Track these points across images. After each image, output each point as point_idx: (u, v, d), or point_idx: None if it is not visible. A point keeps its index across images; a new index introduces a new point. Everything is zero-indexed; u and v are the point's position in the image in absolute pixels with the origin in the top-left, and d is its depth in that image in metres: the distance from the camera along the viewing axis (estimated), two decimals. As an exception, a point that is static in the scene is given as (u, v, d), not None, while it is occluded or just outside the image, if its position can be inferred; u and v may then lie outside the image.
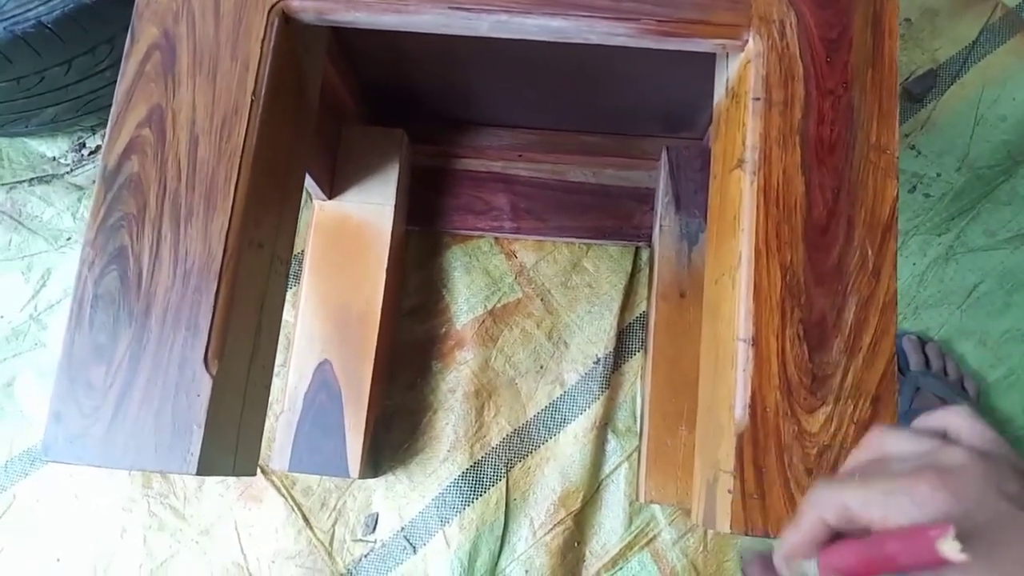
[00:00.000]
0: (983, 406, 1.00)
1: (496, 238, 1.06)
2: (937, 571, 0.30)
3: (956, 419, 0.35)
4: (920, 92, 1.10)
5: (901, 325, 1.03)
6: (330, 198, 0.96)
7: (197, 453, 0.48)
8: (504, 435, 0.97)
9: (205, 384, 0.48)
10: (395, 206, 0.96)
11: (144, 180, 0.51)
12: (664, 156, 0.97)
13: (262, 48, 0.53)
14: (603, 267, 1.05)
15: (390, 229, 0.95)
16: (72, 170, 1.16)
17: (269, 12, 0.54)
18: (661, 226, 0.96)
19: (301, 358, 0.92)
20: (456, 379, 1.00)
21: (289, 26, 0.55)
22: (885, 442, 0.35)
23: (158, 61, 0.53)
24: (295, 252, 1.05)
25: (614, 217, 1.05)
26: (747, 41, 0.53)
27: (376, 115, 1.01)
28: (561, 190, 1.06)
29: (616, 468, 0.97)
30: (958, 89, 1.11)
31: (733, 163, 0.53)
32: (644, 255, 1.06)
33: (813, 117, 0.51)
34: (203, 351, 0.48)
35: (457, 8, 0.54)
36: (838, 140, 0.51)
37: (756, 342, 0.48)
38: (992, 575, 0.29)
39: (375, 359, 0.91)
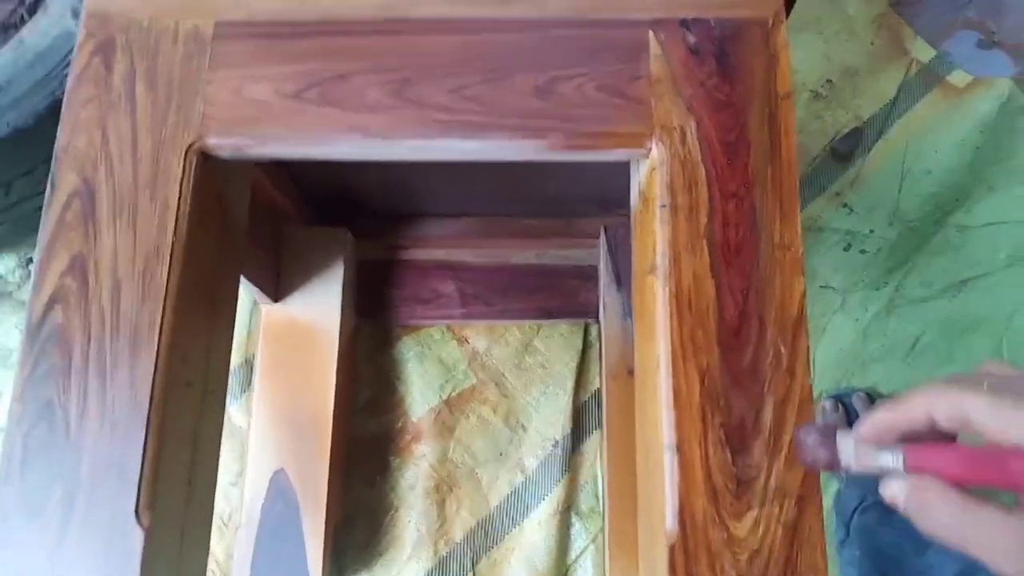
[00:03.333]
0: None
1: (447, 325, 1.07)
2: None
3: None
4: (847, 150, 1.14)
5: (849, 382, 1.05)
6: (276, 301, 0.96)
7: (131, 607, 0.47)
8: (468, 528, 0.97)
9: (137, 538, 0.48)
10: (342, 304, 0.97)
11: (69, 331, 0.51)
12: (602, 236, 0.99)
13: (181, 188, 0.54)
14: (554, 346, 1.06)
15: (338, 328, 0.95)
16: (19, 286, 1.16)
17: (187, 152, 0.55)
18: (604, 304, 0.97)
19: (256, 467, 0.91)
20: (415, 474, 0.99)
21: (208, 163, 0.57)
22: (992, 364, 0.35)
23: (78, 209, 0.54)
24: (247, 356, 1.05)
25: (560, 296, 1.06)
26: (651, 149, 0.54)
27: (318, 215, 1.02)
28: (506, 273, 1.07)
29: (583, 552, 0.97)
30: (883, 145, 1.15)
31: (647, 268, 0.54)
32: (594, 330, 1.07)
33: (718, 220, 0.53)
34: (134, 504, 0.48)
35: (372, 137, 0.55)
36: (744, 241, 0.52)
37: (680, 449, 0.49)
38: None
39: (330, 462, 0.91)
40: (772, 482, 0.48)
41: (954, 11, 1.21)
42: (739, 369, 0.50)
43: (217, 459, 0.60)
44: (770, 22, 0.57)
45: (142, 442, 0.49)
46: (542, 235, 1.06)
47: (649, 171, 0.55)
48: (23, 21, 0.98)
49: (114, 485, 0.49)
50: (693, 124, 0.55)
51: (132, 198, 0.54)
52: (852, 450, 0.37)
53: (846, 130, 1.16)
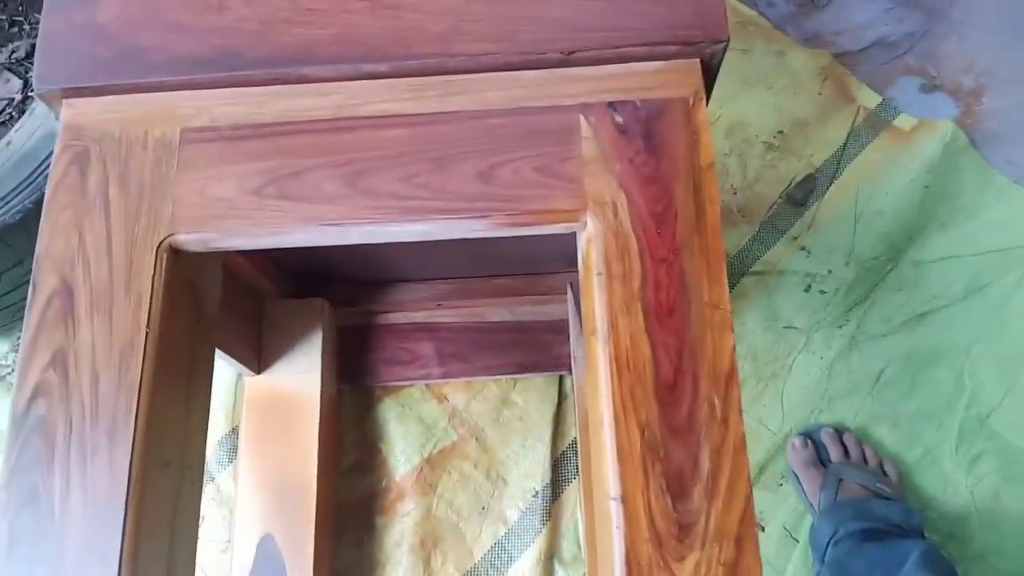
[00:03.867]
0: (906, 488, 1.04)
1: (427, 385, 1.11)
2: None
3: None
4: (802, 196, 1.19)
5: (817, 419, 1.08)
6: (259, 373, 1.00)
7: None
8: (453, 582, 1.00)
9: (119, 615, 0.51)
10: (322, 372, 1.00)
11: (51, 422, 0.55)
12: (569, 291, 1.03)
13: (153, 282, 0.59)
14: (531, 398, 1.10)
15: (319, 396, 0.99)
16: (12, 371, 1.19)
17: (158, 249, 0.59)
18: (575, 357, 1.01)
19: (243, 534, 0.94)
20: (400, 532, 1.02)
21: (179, 257, 0.61)
22: None
23: (58, 307, 0.58)
24: (234, 426, 1.09)
25: (534, 350, 1.10)
26: (586, 222, 0.59)
27: (296, 287, 1.07)
28: (482, 331, 1.11)
29: (567, 599, 0.99)
30: (836, 190, 1.20)
31: (591, 329, 0.59)
32: (569, 381, 1.11)
33: (651, 285, 0.57)
34: (115, 582, 0.51)
35: (328, 225, 0.60)
36: (675, 303, 0.57)
37: (624, 499, 0.52)
38: None
39: (316, 526, 0.94)
40: (711, 525, 0.52)
41: (894, 59, 1.27)
42: (676, 422, 0.54)
43: (196, 534, 0.64)
44: (691, 101, 0.62)
45: (121, 522, 0.53)
46: (514, 293, 1.10)
47: (586, 242, 0.60)
48: (11, 120, 1.04)
49: (97, 566, 0.52)
50: (623, 198, 0.59)
51: (108, 294, 0.58)
52: None
53: (800, 177, 1.21)
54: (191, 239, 0.60)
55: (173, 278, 0.60)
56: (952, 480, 1.05)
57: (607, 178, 0.60)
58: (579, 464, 1.04)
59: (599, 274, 0.58)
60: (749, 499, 0.52)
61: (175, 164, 0.61)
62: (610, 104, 0.62)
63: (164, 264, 0.59)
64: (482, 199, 0.60)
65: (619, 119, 0.61)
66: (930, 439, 1.06)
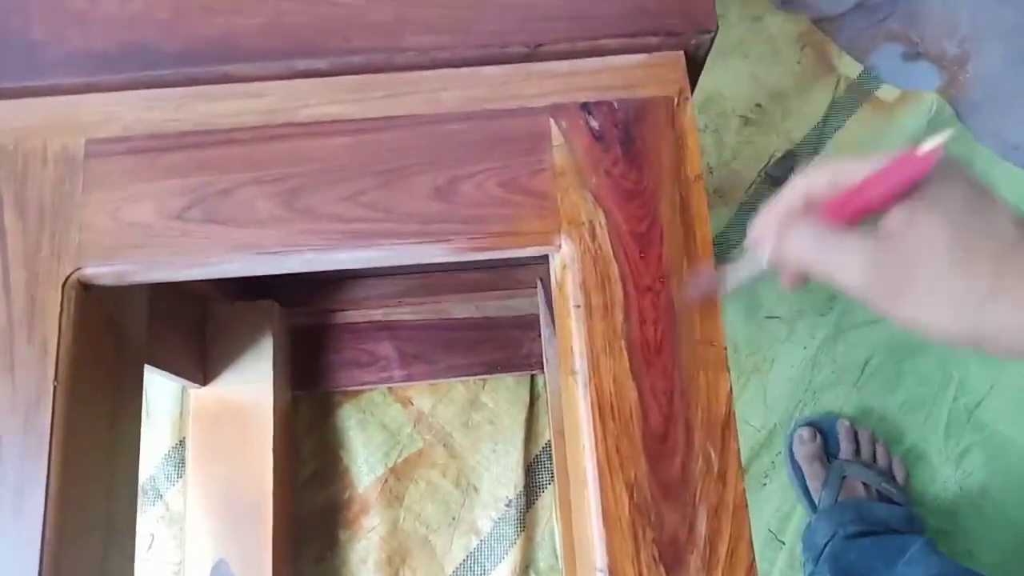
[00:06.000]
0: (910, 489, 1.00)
1: (389, 388, 1.04)
2: (901, 189, 0.34)
3: None
4: (781, 175, 1.13)
5: (801, 411, 1.03)
6: (204, 385, 0.92)
7: None
8: (423, 600, 0.94)
9: None
10: (274, 380, 0.93)
11: (-57, 500, 0.47)
12: (539, 289, 0.96)
13: (60, 325, 0.50)
14: (502, 399, 1.03)
15: (271, 405, 0.92)
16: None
17: (64, 285, 0.51)
18: (546, 358, 0.94)
19: (195, 561, 0.87)
20: (366, 548, 0.96)
21: (91, 293, 0.53)
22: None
23: (-53, 360, 0.50)
24: (181, 438, 1.01)
25: (504, 348, 1.04)
26: (560, 245, 0.52)
27: (243, 289, 0.98)
28: (446, 328, 1.04)
29: (543, 612, 0.94)
30: (818, 167, 1.14)
31: (568, 369, 0.52)
32: (541, 380, 1.04)
33: (635, 318, 0.50)
34: None
35: (263, 254, 0.52)
36: (664, 340, 0.50)
37: (612, 572, 0.46)
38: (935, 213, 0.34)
39: (273, 548, 0.87)
40: (710, 599, 0.46)
41: (876, 24, 1.20)
42: (668, 479, 0.48)
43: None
44: (675, 101, 0.54)
45: (32, 614, 0.45)
46: (480, 288, 1.03)
47: (561, 268, 0.52)
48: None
49: (2, 668, 0.45)
50: (602, 217, 0.52)
51: (7, 342, 0.50)
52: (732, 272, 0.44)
53: (779, 154, 1.14)
54: (103, 272, 0.52)
55: (85, 317, 0.52)
56: (940, 474, 1.01)
57: (582, 193, 0.52)
58: (554, 469, 0.98)
59: (576, 306, 0.50)
60: (752, 567, 0.47)
61: (81, 183, 0.53)
62: (583, 105, 0.54)
63: (73, 303, 0.51)
64: (440, 220, 0.52)
65: (594, 123, 0.54)
66: (918, 432, 1.02)
